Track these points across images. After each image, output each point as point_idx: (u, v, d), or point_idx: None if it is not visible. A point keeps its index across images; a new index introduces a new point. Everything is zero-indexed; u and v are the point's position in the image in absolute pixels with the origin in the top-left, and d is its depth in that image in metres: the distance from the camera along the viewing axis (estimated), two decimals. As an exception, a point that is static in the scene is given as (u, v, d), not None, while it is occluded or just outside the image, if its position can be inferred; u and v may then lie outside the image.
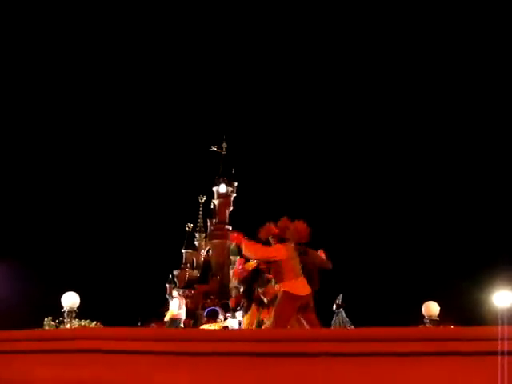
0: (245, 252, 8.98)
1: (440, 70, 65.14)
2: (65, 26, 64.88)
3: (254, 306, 11.41)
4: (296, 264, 8.77)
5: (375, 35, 69.21)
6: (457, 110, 59.21)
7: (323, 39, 69.52)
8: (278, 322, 8.56)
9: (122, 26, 65.46)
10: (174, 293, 18.28)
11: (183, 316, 18.01)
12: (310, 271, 9.20)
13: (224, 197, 43.67)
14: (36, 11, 63.24)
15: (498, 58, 59.57)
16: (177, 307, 17.61)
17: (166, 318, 17.82)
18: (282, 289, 8.68)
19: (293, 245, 8.97)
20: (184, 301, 18.19)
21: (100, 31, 68.83)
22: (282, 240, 8.94)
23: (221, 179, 43.75)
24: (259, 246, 8.96)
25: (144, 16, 70.96)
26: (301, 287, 8.55)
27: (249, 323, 11.15)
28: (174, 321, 17.39)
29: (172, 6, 72.80)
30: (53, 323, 21.72)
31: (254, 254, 9.06)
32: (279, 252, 8.75)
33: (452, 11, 61.95)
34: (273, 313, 9.07)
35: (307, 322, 8.55)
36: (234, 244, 43.04)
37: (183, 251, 44.99)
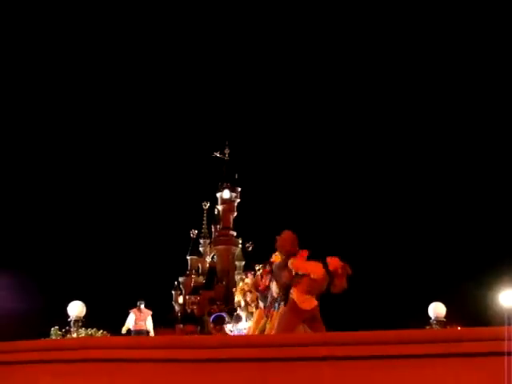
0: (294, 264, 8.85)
1: (440, 69, 65.08)
2: (66, 27, 65.09)
3: (259, 311, 11.38)
4: (318, 288, 8.71)
5: (376, 35, 69.20)
6: (460, 109, 59.17)
7: (325, 46, 69.58)
8: (280, 328, 8.59)
9: (123, 34, 65.62)
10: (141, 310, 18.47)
11: (149, 327, 18.34)
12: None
13: (228, 202, 43.69)
14: (36, 11, 63.46)
15: (498, 58, 59.49)
16: (132, 321, 18.05)
17: (123, 331, 18.18)
18: (291, 296, 8.68)
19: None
20: (147, 312, 18.34)
21: (101, 38, 68.96)
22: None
23: (224, 185, 43.78)
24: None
25: (146, 25, 71.15)
26: (306, 301, 8.53)
27: (255, 328, 11.13)
28: (138, 332, 17.70)
29: (174, 17, 72.93)
30: (59, 332, 21.70)
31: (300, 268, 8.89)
32: (317, 270, 8.71)
33: (452, 11, 61.92)
34: (277, 319, 9.08)
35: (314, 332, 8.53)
36: (238, 249, 43.17)
37: (188, 258, 45.02)
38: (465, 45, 62.64)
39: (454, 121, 59.90)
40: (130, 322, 18.11)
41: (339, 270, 8.75)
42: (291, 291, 8.71)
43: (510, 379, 4.90)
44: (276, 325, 9.13)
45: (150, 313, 18.50)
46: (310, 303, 8.59)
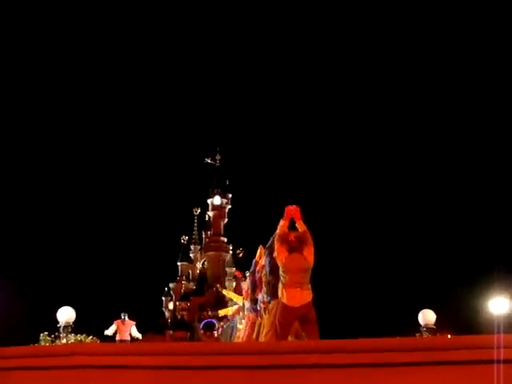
0: (279, 228, 8.78)
1: (440, 69, 65.39)
2: (62, 27, 65.10)
3: (250, 315, 11.37)
4: (296, 275, 8.52)
5: (372, 35, 69.48)
6: (456, 112, 59.44)
7: (315, 49, 69.83)
8: (272, 330, 8.55)
9: (115, 42, 65.62)
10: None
11: (135, 334, 18.95)
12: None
13: (219, 209, 43.68)
14: (36, 11, 63.46)
15: (498, 58, 59.86)
16: (113, 330, 18.77)
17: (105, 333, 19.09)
18: (279, 296, 8.62)
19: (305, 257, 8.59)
20: (130, 323, 19.00)
21: (93, 47, 68.96)
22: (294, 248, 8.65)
23: (215, 191, 43.78)
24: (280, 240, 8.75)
25: (137, 34, 71.23)
26: (291, 297, 8.38)
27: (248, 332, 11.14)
28: (122, 342, 18.24)
29: (164, 25, 73.07)
30: (49, 338, 21.65)
31: (277, 236, 8.82)
32: (279, 254, 8.61)
33: (452, 11, 62.23)
34: (270, 319, 9.06)
35: (306, 335, 8.42)
36: (229, 256, 43.13)
37: (179, 264, 44.92)
38: (465, 45, 62.96)
39: (449, 126, 60.19)
40: (111, 331, 18.75)
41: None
42: (279, 289, 8.63)
43: (500, 387, 4.92)
44: (267, 327, 9.11)
45: (134, 323, 18.99)
46: (300, 299, 8.41)
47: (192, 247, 45.36)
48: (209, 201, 44.01)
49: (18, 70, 62.65)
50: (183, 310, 41.56)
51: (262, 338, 9.33)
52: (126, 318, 18.84)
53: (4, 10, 55.69)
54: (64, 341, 18.19)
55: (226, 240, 43.58)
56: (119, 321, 18.73)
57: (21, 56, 64.24)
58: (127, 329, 18.73)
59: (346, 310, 38.70)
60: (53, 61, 66.29)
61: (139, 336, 19.04)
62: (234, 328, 15.98)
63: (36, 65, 65.12)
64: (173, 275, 44.71)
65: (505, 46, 57.26)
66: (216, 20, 71.85)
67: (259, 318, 10.37)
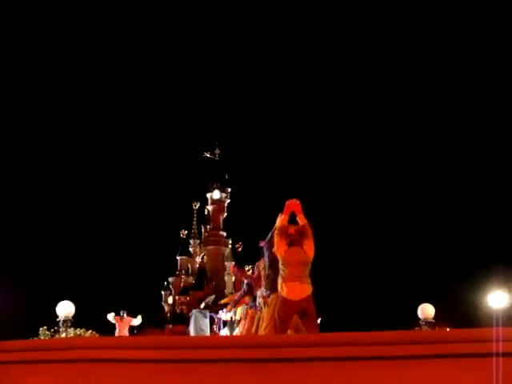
0: (279, 222, 8.78)
1: (440, 69, 65.33)
2: (61, 26, 64.97)
3: (249, 309, 11.40)
4: (296, 268, 8.49)
5: (370, 35, 69.40)
6: (454, 109, 59.37)
7: (314, 43, 69.77)
8: (272, 323, 8.56)
9: (114, 37, 65.50)
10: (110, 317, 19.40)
11: (137, 323, 19.58)
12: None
13: (218, 203, 43.64)
14: (36, 11, 63.33)
15: (498, 58, 59.79)
16: (112, 318, 19.13)
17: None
18: (279, 290, 8.61)
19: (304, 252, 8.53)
20: (129, 320, 19.36)
21: (91, 42, 68.85)
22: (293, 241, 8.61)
23: (214, 185, 43.71)
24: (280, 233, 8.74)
25: (137, 28, 71.12)
26: (290, 291, 8.37)
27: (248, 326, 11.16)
28: None
29: (164, 18, 72.95)
30: (48, 332, 21.64)
31: (277, 230, 8.81)
32: (279, 248, 8.59)
33: (452, 11, 62.14)
34: (269, 313, 9.06)
35: (305, 329, 8.41)
36: (228, 250, 43.10)
37: (178, 258, 44.91)
38: (465, 45, 62.85)
39: (448, 120, 60.18)
40: (112, 318, 19.09)
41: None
42: (278, 283, 8.61)
43: (499, 380, 4.93)
44: (267, 320, 9.12)
45: (132, 320, 19.30)
46: (300, 293, 8.38)
47: (191, 241, 45.36)
48: (208, 195, 43.97)
49: (18, 70, 62.54)
50: (182, 304, 41.56)
51: (261, 332, 9.35)
52: (125, 315, 19.12)
53: (4, 10, 55.52)
54: (63, 335, 18.20)
55: (225, 234, 43.56)
56: (117, 317, 19.00)
57: (20, 56, 64.17)
58: (126, 326, 19.03)
59: (345, 304, 38.74)
60: (52, 58, 66.28)
61: (139, 319, 19.60)
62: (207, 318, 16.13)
63: (35, 64, 65.04)
64: (172, 269, 44.73)
65: (505, 46, 57.16)
66: (214, 14, 71.76)
67: (258, 312, 10.39)
